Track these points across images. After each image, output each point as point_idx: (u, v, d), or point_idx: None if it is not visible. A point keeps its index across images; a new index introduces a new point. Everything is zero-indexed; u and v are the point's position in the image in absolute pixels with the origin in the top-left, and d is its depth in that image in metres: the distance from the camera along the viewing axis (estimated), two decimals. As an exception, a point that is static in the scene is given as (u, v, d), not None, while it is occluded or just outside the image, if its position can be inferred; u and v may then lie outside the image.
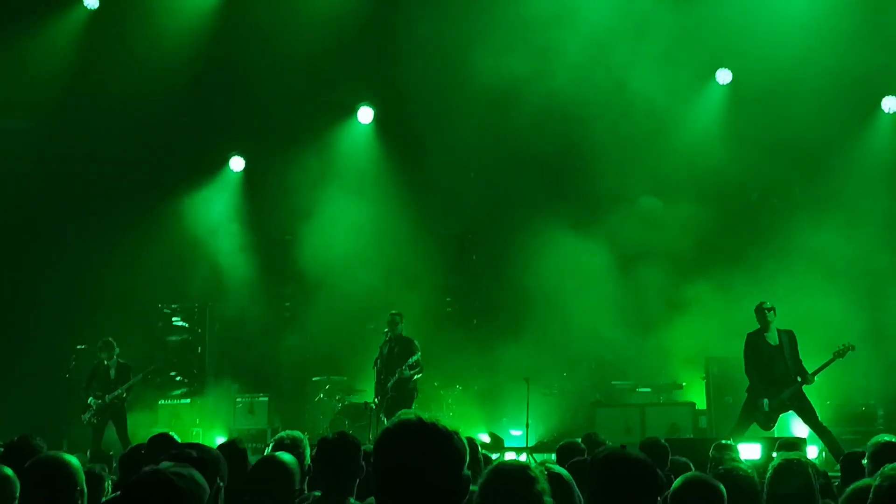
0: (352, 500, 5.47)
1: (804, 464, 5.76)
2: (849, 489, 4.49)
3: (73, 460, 4.51)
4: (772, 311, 13.47)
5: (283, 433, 6.56)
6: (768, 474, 5.82)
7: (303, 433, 6.49)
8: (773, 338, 13.44)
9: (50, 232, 18.48)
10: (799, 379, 13.18)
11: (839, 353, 13.24)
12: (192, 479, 3.28)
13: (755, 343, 13.49)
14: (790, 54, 16.63)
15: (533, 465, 4.47)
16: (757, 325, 13.54)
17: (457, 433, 3.01)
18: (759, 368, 13.40)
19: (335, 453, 5.51)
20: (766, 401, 13.17)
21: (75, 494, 4.38)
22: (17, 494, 4.55)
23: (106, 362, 15.76)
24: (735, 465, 5.90)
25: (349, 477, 5.49)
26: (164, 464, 3.41)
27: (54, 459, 4.48)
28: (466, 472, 2.99)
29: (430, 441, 2.95)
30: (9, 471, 4.68)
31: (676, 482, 4.68)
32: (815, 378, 13.18)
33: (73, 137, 18.49)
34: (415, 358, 14.63)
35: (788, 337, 13.43)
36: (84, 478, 4.46)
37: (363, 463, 5.55)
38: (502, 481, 4.16)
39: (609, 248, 17.10)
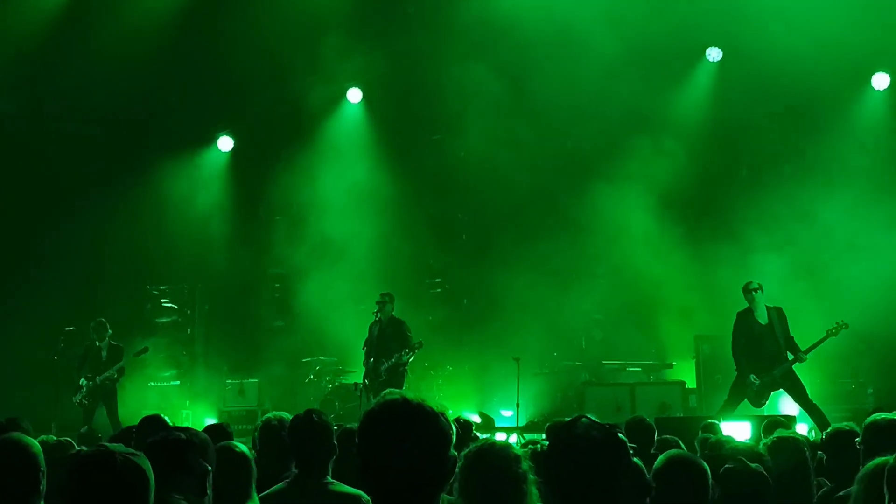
0: (328, 478, 5.46)
1: (799, 441, 5.76)
2: (869, 466, 4.41)
3: (34, 442, 4.48)
4: (758, 291, 13.47)
5: (269, 414, 6.56)
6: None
7: (290, 414, 6.47)
8: (762, 316, 13.45)
9: (36, 214, 18.36)
10: (790, 356, 13.20)
11: (832, 332, 13.25)
12: (138, 467, 3.17)
13: (745, 321, 13.50)
14: (780, 32, 16.58)
15: (517, 446, 4.45)
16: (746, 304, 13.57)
17: (443, 413, 2.93)
18: (750, 347, 13.42)
19: (305, 434, 5.49)
20: (753, 376, 13.20)
21: (39, 475, 4.35)
22: None
23: (98, 343, 15.70)
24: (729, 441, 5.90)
25: (321, 457, 5.48)
26: (114, 445, 3.34)
27: (15, 441, 4.44)
28: (453, 452, 2.93)
29: (416, 421, 2.87)
30: None
31: (659, 460, 4.64)
32: (808, 356, 13.21)
33: (58, 118, 18.38)
34: (415, 342, 14.59)
35: (778, 314, 13.44)
36: (44, 459, 4.42)
37: (335, 443, 5.53)
38: (486, 461, 4.14)
39: (598, 227, 17.05)
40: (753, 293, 13.44)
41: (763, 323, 13.42)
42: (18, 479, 4.30)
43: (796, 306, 14.22)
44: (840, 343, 14.01)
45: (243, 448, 5.33)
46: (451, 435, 2.93)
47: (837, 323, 13.26)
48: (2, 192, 18.24)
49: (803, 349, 13.16)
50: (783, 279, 15.40)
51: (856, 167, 16.95)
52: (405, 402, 2.90)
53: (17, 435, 4.57)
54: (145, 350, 16.32)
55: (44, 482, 4.38)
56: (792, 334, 13.39)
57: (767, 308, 13.48)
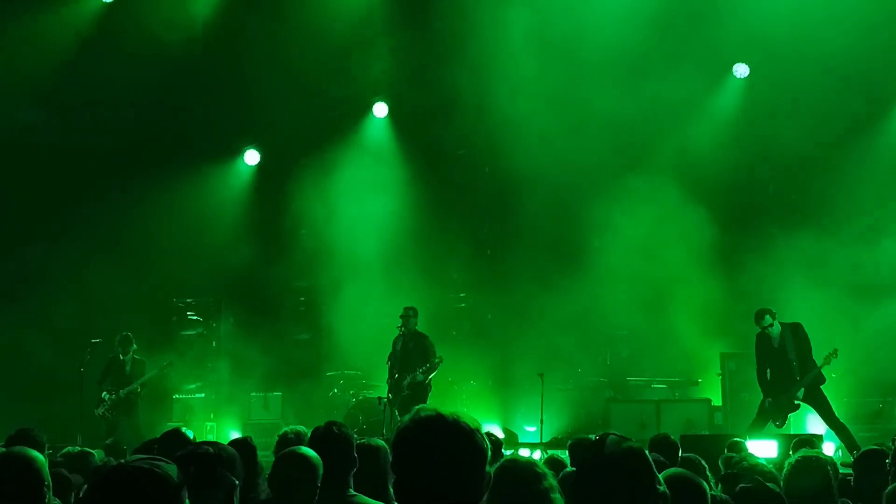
0: (351, 490, 5.45)
1: (822, 461, 5.72)
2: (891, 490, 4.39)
3: (39, 456, 4.49)
4: (766, 317, 13.40)
5: (287, 428, 6.59)
6: (785, 471, 5.78)
7: (311, 428, 6.49)
8: (776, 338, 13.37)
9: (64, 224, 18.50)
10: (799, 378, 13.12)
11: (826, 361, 13.16)
12: (159, 475, 3.16)
13: (761, 343, 13.52)
14: (807, 49, 16.53)
15: (541, 462, 4.43)
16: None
17: (478, 430, 2.88)
18: (768, 368, 13.41)
19: (326, 446, 5.49)
20: (769, 400, 13.20)
21: (43, 489, 4.36)
22: None
23: (122, 357, 15.81)
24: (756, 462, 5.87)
25: (341, 470, 5.47)
26: (133, 457, 3.34)
27: (19, 455, 4.46)
28: (488, 469, 2.87)
29: (450, 438, 2.82)
30: None
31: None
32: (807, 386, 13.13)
33: (87, 129, 18.52)
34: (435, 360, 14.59)
35: (792, 331, 13.36)
36: (48, 473, 4.44)
37: (356, 455, 5.53)
38: (510, 478, 4.12)
39: (623, 243, 17.00)
40: (761, 321, 13.42)
41: (775, 345, 13.36)
42: (22, 493, 4.32)
43: (824, 321, 14.15)
44: (868, 361, 13.89)
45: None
46: (487, 452, 2.87)
47: (829, 353, 13.17)
48: (29, 202, 18.40)
49: (799, 379, 13.10)
50: (810, 295, 15.31)
51: (884, 184, 16.85)
52: (440, 418, 2.85)
53: (21, 448, 4.58)
54: (170, 364, 16.41)
55: (49, 495, 4.40)
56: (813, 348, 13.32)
57: (782, 325, 13.45)
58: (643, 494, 3.41)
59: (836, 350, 13.15)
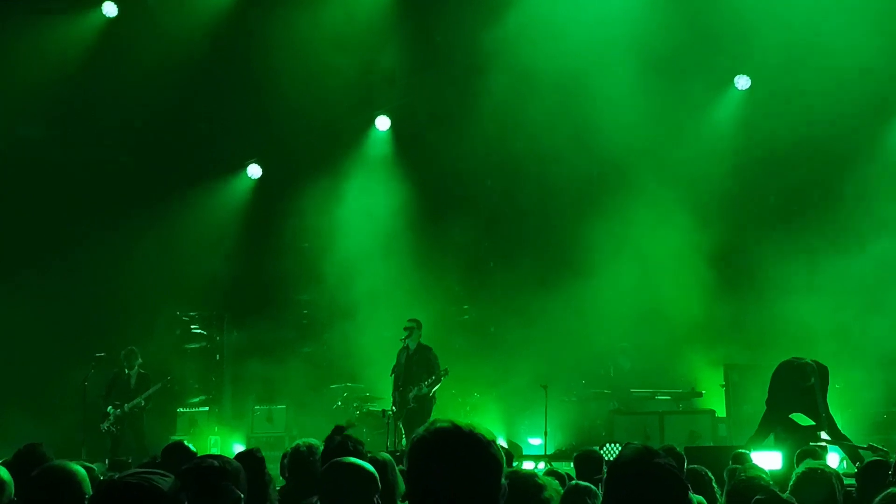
0: None
1: (828, 473, 5.72)
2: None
3: (80, 469, 4.50)
4: (812, 378, 13.07)
5: (299, 441, 6.57)
6: (791, 483, 5.78)
7: (319, 441, 6.48)
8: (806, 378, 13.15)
9: (69, 239, 18.53)
10: (822, 433, 12.91)
11: (872, 449, 12.97)
12: (148, 488, 3.15)
13: (786, 375, 13.17)
14: (809, 59, 16.55)
15: (541, 473, 4.43)
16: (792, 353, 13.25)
17: (494, 441, 2.89)
18: (788, 399, 13.12)
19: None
20: (779, 428, 13.00)
21: (85, 502, 4.38)
22: (13, 496, 4.58)
23: (127, 371, 15.89)
24: (757, 474, 5.87)
25: None
26: (130, 471, 3.35)
27: (61, 469, 4.47)
28: (504, 481, 2.88)
29: (467, 449, 2.83)
30: (3, 473, 4.84)
31: None
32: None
33: (92, 145, 18.59)
34: (440, 372, 14.58)
35: (820, 372, 13.14)
36: (90, 486, 4.44)
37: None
38: (511, 490, 4.12)
39: (628, 254, 17.01)
40: (805, 381, 13.06)
41: (805, 384, 13.11)
42: None
43: (828, 331, 14.12)
44: (874, 372, 13.85)
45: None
46: (503, 463, 2.88)
47: (882, 449, 12.95)
48: (34, 217, 18.43)
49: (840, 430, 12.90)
50: (813, 306, 15.29)
51: (887, 192, 16.84)
52: (456, 430, 2.85)
53: (62, 462, 4.60)
54: (172, 379, 16.55)
55: None
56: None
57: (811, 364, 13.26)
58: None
59: (887, 453, 12.92)
